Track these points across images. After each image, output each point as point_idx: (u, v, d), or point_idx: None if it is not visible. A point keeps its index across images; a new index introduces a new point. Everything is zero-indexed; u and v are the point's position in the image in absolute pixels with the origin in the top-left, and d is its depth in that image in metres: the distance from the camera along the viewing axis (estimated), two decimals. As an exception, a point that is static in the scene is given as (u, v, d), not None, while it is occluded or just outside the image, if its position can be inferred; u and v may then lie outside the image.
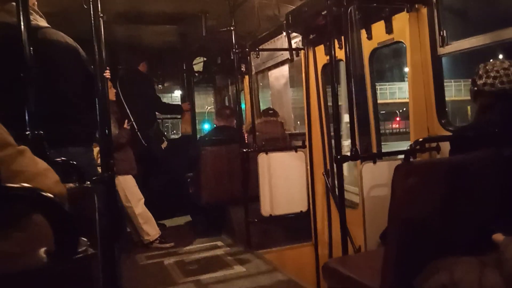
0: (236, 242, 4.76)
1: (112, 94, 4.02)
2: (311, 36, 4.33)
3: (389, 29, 3.41)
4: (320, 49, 4.34)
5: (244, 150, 4.48)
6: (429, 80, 3.17)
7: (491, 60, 2.35)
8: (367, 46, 3.65)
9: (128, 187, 4.63)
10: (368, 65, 3.74)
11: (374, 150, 3.83)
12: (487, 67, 2.30)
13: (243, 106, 5.92)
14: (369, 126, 3.82)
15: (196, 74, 6.99)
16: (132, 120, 4.92)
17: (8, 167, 1.02)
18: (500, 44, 2.78)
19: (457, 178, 2.05)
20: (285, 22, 4.18)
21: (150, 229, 4.74)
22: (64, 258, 0.88)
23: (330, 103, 4.38)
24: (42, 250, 0.91)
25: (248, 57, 5.30)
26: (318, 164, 4.58)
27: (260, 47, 5.15)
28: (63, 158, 2.01)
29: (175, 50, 6.21)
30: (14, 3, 2.11)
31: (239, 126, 4.84)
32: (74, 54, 2.61)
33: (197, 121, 7.52)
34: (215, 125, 5.59)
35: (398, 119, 37.77)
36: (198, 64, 6.94)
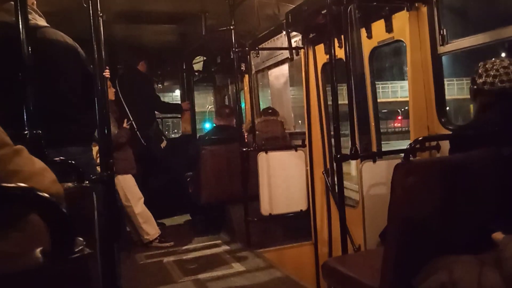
0: (236, 241, 4.76)
1: (111, 93, 4.03)
2: (311, 35, 4.32)
3: (389, 28, 3.40)
4: (320, 48, 4.33)
5: (244, 149, 4.48)
6: (429, 79, 3.17)
7: (493, 59, 2.34)
8: (367, 45, 3.65)
9: (127, 186, 4.63)
10: (368, 64, 3.73)
11: (374, 149, 3.82)
12: (486, 66, 2.29)
13: (243, 105, 5.92)
14: (369, 125, 3.81)
15: (196, 74, 6.99)
16: (132, 119, 4.92)
17: (5, 167, 1.02)
18: (503, 43, 2.78)
19: (457, 177, 2.05)
20: (284, 21, 4.18)
21: (150, 228, 4.74)
22: (60, 258, 0.88)
23: (330, 102, 4.38)
24: (38, 250, 0.90)
25: (248, 56, 5.30)
26: (318, 163, 4.57)
27: (260, 46, 5.15)
28: (61, 158, 2.01)
29: (175, 49, 6.21)
30: (12, 2, 2.11)
31: (239, 125, 4.84)
32: (74, 54, 2.60)
33: (198, 120, 7.52)
34: (214, 124, 5.59)
35: (399, 118, 37.70)
36: (198, 64, 6.93)
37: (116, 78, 5.07)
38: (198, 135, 6.64)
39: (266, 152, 4.47)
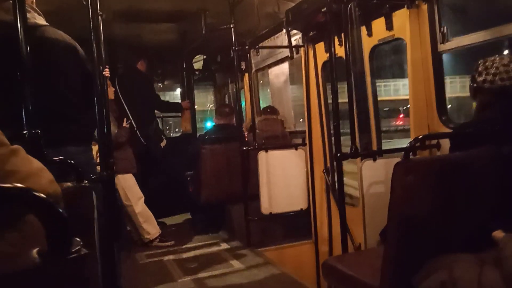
0: (236, 240, 4.76)
1: (111, 92, 4.02)
2: (311, 33, 4.31)
3: (389, 26, 3.39)
4: (320, 46, 4.32)
5: (244, 148, 4.47)
6: (430, 77, 3.16)
7: (493, 57, 2.33)
8: (367, 43, 3.64)
9: (128, 186, 4.63)
10: (368, 62, 3.73)
11: (375, 147, 3.81)
12: (486, 64, 2.28)
13: (243, 104, 5.91)
14: (369, 123, 3.81)
15: (196, 72, 6.98)
16: (131, 118, 4.92)
17: (1, 167, 1.01)
18: (504, 40, 2.76)
19: (457, 175, 2.04)
20: (285, 19, 4.17)
21: (150, 227, 4.74)
22: (57, 258, 0.88)
23: (330, 101, 4.37)
24: (35, 250, 0.90)
25: (248, 55, 5.30)
26: (318, 162, 4.57)
27: (260, 44, 5.13)
28: (61, 157, 2.00)
29: (175, 48, 6.20)
30: (11, 1, 2.10)
31: (239, 124, 4.83)
32: (73, 53, 2.59)
33: (199, 119, 7.51)
34: (214, 123, 5.58)
35: (401, 116, 37.61)
36: (198, 62, 6.93)
37: (115, 77, 5.06)
38: (198, 134, 6.64)
39: (266, 151, 4.47)
